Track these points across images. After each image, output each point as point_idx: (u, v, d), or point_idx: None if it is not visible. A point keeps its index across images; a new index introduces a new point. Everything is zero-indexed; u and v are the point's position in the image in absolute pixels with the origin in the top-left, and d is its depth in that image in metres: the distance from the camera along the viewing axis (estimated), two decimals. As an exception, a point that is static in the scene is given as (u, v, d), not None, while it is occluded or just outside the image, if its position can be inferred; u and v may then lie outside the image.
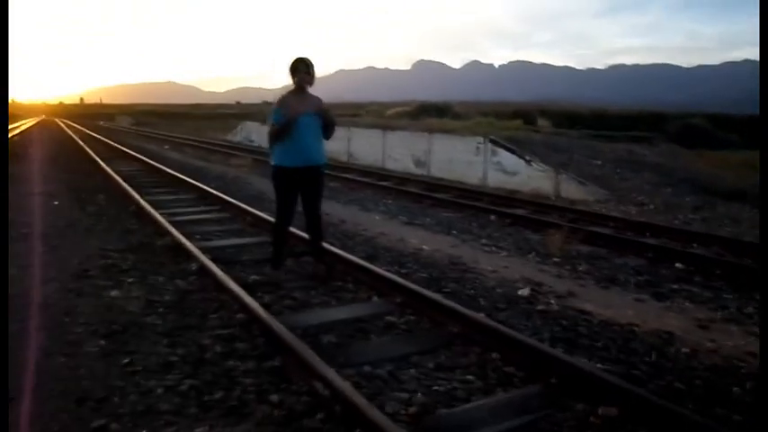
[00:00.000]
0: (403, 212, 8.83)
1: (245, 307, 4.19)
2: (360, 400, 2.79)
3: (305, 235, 5.45)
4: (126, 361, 3.42)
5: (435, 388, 3.20)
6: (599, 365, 3.46)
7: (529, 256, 6.34)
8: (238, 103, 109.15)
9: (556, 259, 6.12)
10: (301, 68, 4.89)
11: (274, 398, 2.96)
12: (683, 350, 3.75)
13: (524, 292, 4.88)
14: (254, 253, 6.10)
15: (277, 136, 4.89)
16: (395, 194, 10.53)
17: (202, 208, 8.92)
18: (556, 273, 5.64)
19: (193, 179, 11.58)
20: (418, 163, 14.55)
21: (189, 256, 5.72)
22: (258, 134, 26.52)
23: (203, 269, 5.26)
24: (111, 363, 3.42)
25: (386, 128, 15.29)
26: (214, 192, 9.85)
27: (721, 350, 3.79)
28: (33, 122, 55.34)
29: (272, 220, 7.07)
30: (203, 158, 18.66)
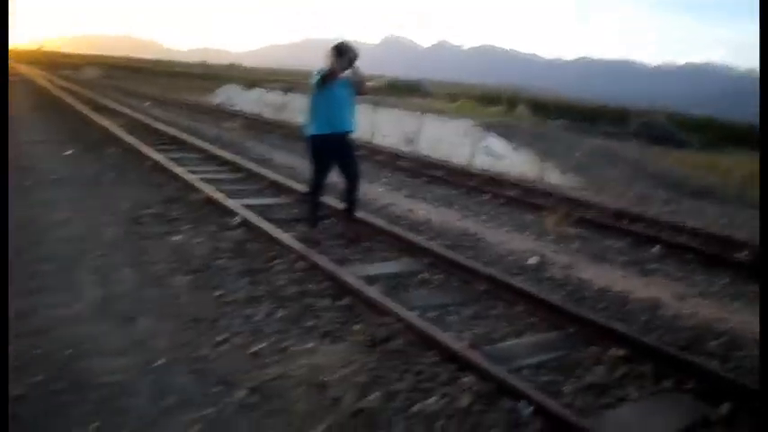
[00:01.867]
0: (403, 186, 9.51)
1: (303, 256, 4.86)
2: (432, 328, 3.54)
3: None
4: (218, 294, 4.05)
5: (477, 330, 3.96)
6: (607, 320, 4.27)
7: (526, 233, 7.14)
8: (205, 63, 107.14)
9: (551, 237, 6.93)
10: (350, 54, 5.43)
11: (357, 327, 3.67)
12: (668, 313, 4.62)
13: (533, 261, 5.69)
14: (283, 213, 6.71)
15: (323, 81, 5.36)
16: (391, 169, 11.20)
17: (215, 168, 9.40)
18: (553, 248, 6.45)
19: (192, 139, 11.98)
20: (407, 141, 15.24)
21: (226, 211, 6.31)
22: (242, 98, 26.57)
23: (247, 223, 5.87)
24: (205, 295, 4.05)
25: (375, 104, 15.88)
26: (220, 152, 10.34)
27: (697, 316, 4.66)
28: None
29: (287, 184, 7.72)
30: (192, 119, 18.84)
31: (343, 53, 5.39)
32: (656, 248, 6.78)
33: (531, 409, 2.81)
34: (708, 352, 3.96)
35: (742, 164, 19.18)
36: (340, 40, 5.49)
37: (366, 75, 5.84)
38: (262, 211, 6.59)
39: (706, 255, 6.55)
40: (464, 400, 2.89)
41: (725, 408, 3.14)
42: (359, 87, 5.62)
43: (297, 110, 20.25)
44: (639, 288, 5.26)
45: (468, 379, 3.07)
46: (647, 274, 5.82)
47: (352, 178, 5.75)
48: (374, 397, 2.86)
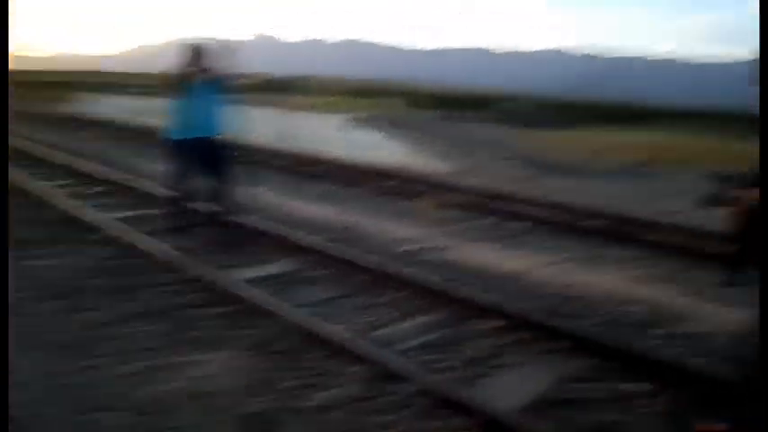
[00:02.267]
0: (281, 185, 9.44)
1: (179, 266, 4.70)
2: (317, 323, 3.59)
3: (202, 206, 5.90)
4: (89, 315, 3.83)
5: (363, 319, 4.06)
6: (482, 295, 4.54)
7: (405, 220, 7.37)
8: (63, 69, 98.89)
9: (428, 222, 7.22)
10: (209, 54, 5.34)
11: (242, 332, 3.63)
12: (535, 282, 5.01)
13: (412, 247, 5.90)
14: (155, 223, 6.42)
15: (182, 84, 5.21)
16: (268, 168, 11.05)
17: (74, 180, 8.79)
18: (430, 233, 6.72)
19: (47, 151, 11.11)
20: (282, 138, 15.11)
21: (91, 227, 5.95)
22: (104, 105, 24.89)
23: (115, 237, 5.57)
24: (75, 318, 3.81)
25: (248, 103, 15.53)
26: (79, 164, 9.69)
27: (560, 281, 5.09)
28: None
29: (156, 192, 7.42)
30: (48, 130, 17.34)
31: (202, 54, 5.28)
32: (522, 224, 7.28)
33: (415, 388, 2.95)
34: (570, 314, 4.34)
35: (593, 139, 21.00)
36: (198, 41, 5.37)
37: (239, 73, 5.76)
38: (131, 223, 6.28)
39: (567, 225, 7.15)
40: (354, 389, 2.97)
41: (586, 361, 3.48)
42: (229, 86, 5.54)
43: (163, 114, 19.35)
44: (509, 261, 5.64)
45: (355, 368, 3.15)
46: (516, 248, 6.24)
47: (223, 181, 5.65)
48: (265, 399, 2.87)
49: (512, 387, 3.17)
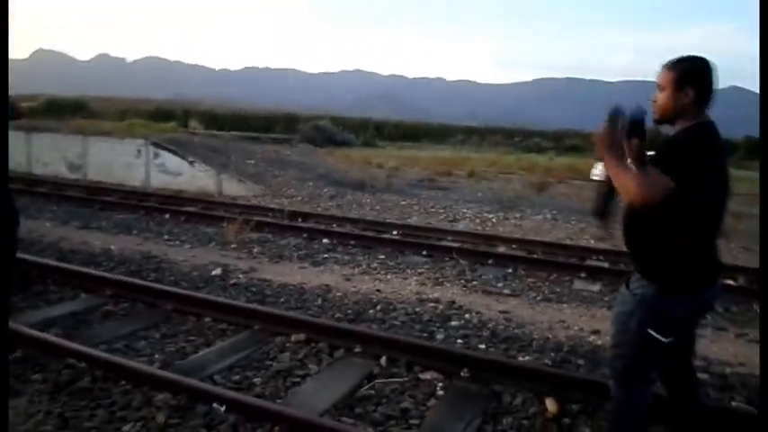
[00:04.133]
0: (74, 217, 8.80)
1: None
2: (120, 359, 3.55)
3: None
4: None
5: (168, 349, 4.07)
6: (286, 311, 4.79)
7: (209, 245, 7.38)
8: None
9: (233, 245, 7.29)
10: None
11: (36, 377, 3.45)
12: (338, 294, 5.39)
13: (217, 271, 5.96)
14: None
15: None
16: (57, 200, 10.20)
17: None
18: (236, 256, 6.83)
19: None
20: (72, 167, 13.92)
21: None
22: None
23: None
24: None
25: (29, 129, 14.07)
26: None
27: (360, 291, 5.54)
28: None
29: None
30: None
31: None
32: (326, 240, 7.71)
33: (224, 407, 3.10)
34: (369, 319, 4.79)
35: (391, 155, 22.52)
36: None
37: (17, 95, 5.35)
38: None
39: (364, 238, 7.73)
40: (160, 418, 3.02)
41: (383, 360, 3.90)
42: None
43: None
44: (314, 277, 5.98)
45: (161, 396, 3.20)
46: (320, 264, 6.61)
47: (7, 218, 5.20)
48: (67, 439, 2.80)
49: (315, 393, 3.46)
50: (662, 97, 2.28)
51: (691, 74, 2.23)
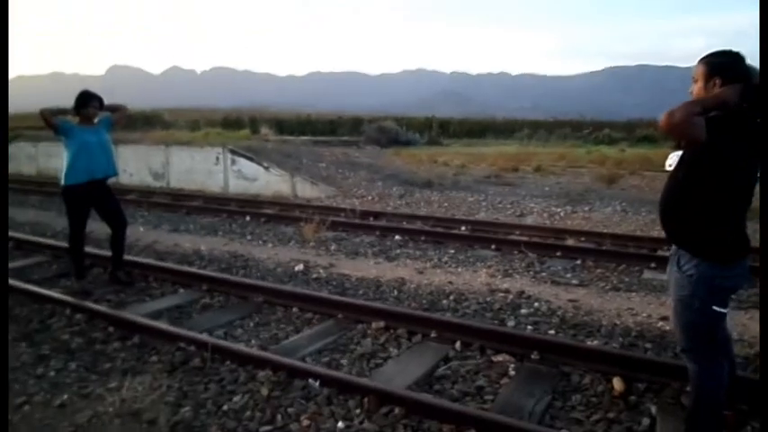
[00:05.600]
0: (163, 222, 9.56)
1: (79, 308, 4.88)
2: (225, 342, 4.02)
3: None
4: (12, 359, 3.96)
5: (263, 335, 4.53)
6: (366, 301, 5.17)
7: (289, 244, 7.88)
8: None
9: (311, 244, 7.77)
10: (93, 103, 5.56)
11: (154, 358, 3.97)
12: (412, 286, 5.72)
13: (299, 267, 6.42)
14: (43, 271, 6.42)
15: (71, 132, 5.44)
16: (146, 206, 11.06)
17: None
18: (315, 253, 7.29)
19: None
20: (156, 176, 14.95)
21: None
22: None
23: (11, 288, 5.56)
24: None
25: (115, 142, 15.19)
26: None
27: (433, 283, 5.86)
28: None
29: (38, 240, 7.39)
30: None
31: (88, 101, 5.50)
32: (398, 237, 8.06)
33: (318, 381, 3.49)
34: (443, 308, 5.10)
35: (457, 153, 22.66)
36: (81, 90, 5.59)
37: (121, 104, 6.01)
38: (17, 274, 6.21)
39: (434, 234, 8.03)
40: (264, 391, 3.45)
41: (458, 344, 4.20)
42: (119, 119, 5.82)
43: (25, 159, 18.33)
44: (388, 272, 6.34)
45: (263, 373, 3.63)
46: (393, 259, 6.97)
47: (119, 225, 5.84)
48: (186, 409, 3.26)
49: (396, 373, 3.80)
50: (696, 88, 2.51)
51: (718, 66, 2.43)
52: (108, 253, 6.07)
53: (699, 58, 2.53)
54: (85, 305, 4.92)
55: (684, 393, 3.26)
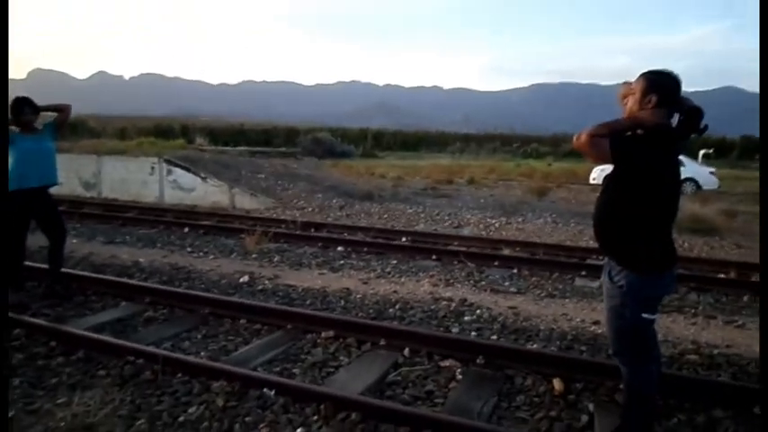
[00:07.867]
0: (96, 233, 9.26)
1: (17, 323, 4.70)
2: (177, 354, 4.00)
3: None
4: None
5: (211, 347, 4.53)
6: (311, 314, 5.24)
7: (231, 256, 7.83)
8: None
9: (254, 255, 7.76)
10: (25, 110, 5.38)
11: (102, 372, 3.90)
12: (358, 296, 5.85)
13: (244, 279, 6.41)
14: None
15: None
16: (78, 217, 10.67)
17: None
18: (258, 264, 7.29)
19: None
20: (87, 185, 14.41)
21: None
22: None
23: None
24: None
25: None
26: None
27: (378, 293, 6.00)
28: None
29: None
30: None
31: (21, 109, 5.33)
32: (340, 248, 8.17)
33: (274, 390, 3.55)
34: (390, 317, 5.25)
35: (392, 166, 23.00)
36: (15, 97, 5.40)
37: (62, 103, 5.75)
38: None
39: (377, 245, 8.19)
40: (219, 401, 3.47)
41: (406, 351, 4.35)
42: (62, 120, 5.60)
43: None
44: (333, 282, 6.43)
45: (218, 384, 3.65)
46: (337, 270, 7.08)
47: (59, 236, 5.66)
48: (141, 422, 3.24)
49: (349, 380, 3.91)
50: (631, 101, 2.71)
51: (657, 84, 2.65)
52: (42, 266, 5.87)
53: (641, 72, 2.72)
54: (22, 319, 4.75)
55: (618, 391, 3.54)
